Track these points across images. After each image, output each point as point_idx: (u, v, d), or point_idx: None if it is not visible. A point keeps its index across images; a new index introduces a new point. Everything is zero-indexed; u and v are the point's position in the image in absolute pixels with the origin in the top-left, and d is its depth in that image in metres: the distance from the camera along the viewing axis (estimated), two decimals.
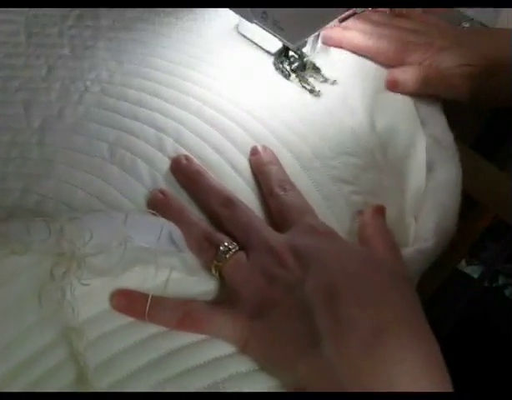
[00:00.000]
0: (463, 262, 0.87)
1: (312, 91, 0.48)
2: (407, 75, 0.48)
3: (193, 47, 0.50)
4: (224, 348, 0.33)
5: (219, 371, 0.32)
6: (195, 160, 0.42)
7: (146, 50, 0.50)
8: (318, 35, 0.49)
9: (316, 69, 0.49)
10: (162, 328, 0.33)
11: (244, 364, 0.33)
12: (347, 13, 0.47)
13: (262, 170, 0.42)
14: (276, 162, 0.43)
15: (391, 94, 0.48)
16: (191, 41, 0.51)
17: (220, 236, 0.37)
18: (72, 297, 0.32)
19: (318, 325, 0.31)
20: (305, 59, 0.48)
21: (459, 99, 0.48)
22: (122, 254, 0.33)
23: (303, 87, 0.48)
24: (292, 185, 0.41)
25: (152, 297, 0.33)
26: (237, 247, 0.36)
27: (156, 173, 0.40)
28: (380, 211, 0.40)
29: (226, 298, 0.35)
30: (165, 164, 0.41)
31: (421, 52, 0.48)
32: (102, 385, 0.31)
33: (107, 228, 0.34)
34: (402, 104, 0.47)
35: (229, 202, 0.39)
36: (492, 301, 0.76)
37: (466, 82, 0.47)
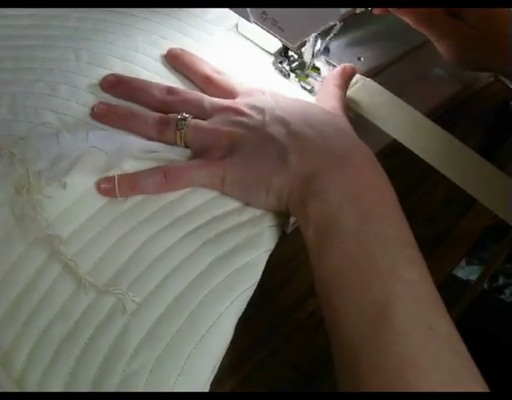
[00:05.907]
0: (463, 262, 0.87)
1: (311, 91, 0.48)
2: None
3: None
4: (203, 197, 0.38)
5: (202, 216, 0.37)
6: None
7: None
8: (318, 35, 0.48)
9: (316, 69, 0.49)
10: (134, 219, 0.36)
11: (222, 207, 0.37)
12: (347, 13, 0.47)
13: (191, 65, 0.44)
14: (199, 58, 0.45)
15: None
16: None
17: (174, 114, 0.40)
18: (43, 210, 0.34)
19: (283, 145, 0.36)
20: (305, 59, 0.48)
21: None
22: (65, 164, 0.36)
23: (303, 86, 0.48)
24: (222, 71, 0.44)
25: (131, 174, 0.37)
26: (192, 116, 0.39)
27: (62, 116, 0.41)
28: (345, 71, 0.45)
29: (196, 156, 0.39)
30: (65, 105, 0.42)
31: None
32: (101, 282, 0.34)
33: (49, 146, 0.37)
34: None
35: (172, 89, 0.42)
36: (490, 307, 0.76)
37: None
